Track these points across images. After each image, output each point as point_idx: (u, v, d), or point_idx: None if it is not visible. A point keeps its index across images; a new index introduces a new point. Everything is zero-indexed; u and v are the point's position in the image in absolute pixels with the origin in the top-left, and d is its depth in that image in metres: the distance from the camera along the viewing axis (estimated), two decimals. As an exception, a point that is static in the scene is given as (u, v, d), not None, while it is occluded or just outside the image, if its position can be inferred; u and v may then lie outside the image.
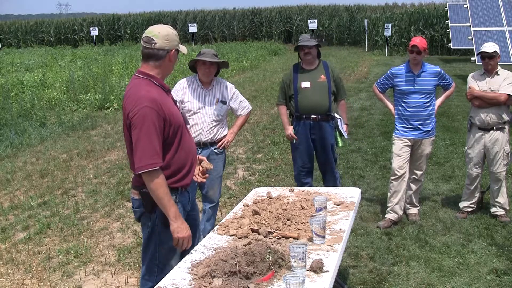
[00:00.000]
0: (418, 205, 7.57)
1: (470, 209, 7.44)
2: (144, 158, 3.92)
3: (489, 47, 7.05)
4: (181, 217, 4.05)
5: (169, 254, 4.21)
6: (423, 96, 7.14)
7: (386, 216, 7.34)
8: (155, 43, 4.13)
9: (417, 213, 7.49)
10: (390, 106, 7.53)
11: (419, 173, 7.41)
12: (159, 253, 4.22)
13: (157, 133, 3.95)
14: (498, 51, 7.04)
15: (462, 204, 7.49)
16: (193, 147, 4.35)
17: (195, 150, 4.39)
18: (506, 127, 7.17)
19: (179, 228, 4.02)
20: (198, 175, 4.55)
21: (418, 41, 7.14)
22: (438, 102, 7.42)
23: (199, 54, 6.26)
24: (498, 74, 7.11)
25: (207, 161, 4.62)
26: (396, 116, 7.36)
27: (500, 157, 7.15)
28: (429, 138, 7.28)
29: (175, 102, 4.38)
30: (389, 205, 7.34)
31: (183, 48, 4.24)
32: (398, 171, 7.24)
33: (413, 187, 7.46)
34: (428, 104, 7.19)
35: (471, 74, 7.39)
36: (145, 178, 3.96)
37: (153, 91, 4.06)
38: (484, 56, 7.06)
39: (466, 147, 7.45)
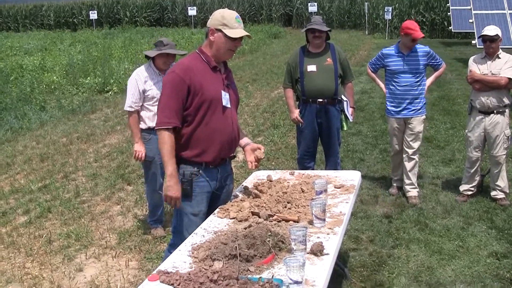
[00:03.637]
0: (417, 186, 7.62)
1: (470, 192, 7.46)
2: (160, 116, 4.28)
3: (491, 30, 7.03)
4: (176, 178, 4.26)
5: (189, 226, 4.34)
6: (413, 75, 7.32)
7: (394, 184, 7.87)
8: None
9: (417, 195, 7.53)
10: (382, 85, 7.78)
11: (410, 151, 7.50)
12: (181, 225, 4.45)
13: (177, 96, 4.22)
14: (500, 34, 7.02)
15: (462, 187, 7.51)
16: (225, 129, 4.42)
17: (229, 134, 4.46)
18: (507, 110, 7.17)
19: (170, 187, 4.25)
20: (253, 163, 4.67)
21: (418, 29, 7.24)
22: (428, 82, 7.61)
23: (161, 44, 6.28)
24: (499, 58, 7.10)
25: (261, 151, 4.68)
26: (387, 95, 7.57)
27: (501, 141, 7.15)
28: (419, 116, 7.44)
29: (227, 84, 4.48)
30: (394, 175, 7.88)
31: (230, 32, 4.28)
32: (396, 147, 7.69)
33: (408, 165, 7.54)
34: (418, 83, 7.37)
35: (472, 58, 7.39)
36: (157, 134, 4.29)
37: (192, 62, 4.34)
38: (486, 39, 7.04)
39: (466, 130, 7.46)
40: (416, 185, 7.59)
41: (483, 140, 7.29)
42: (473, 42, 19.22)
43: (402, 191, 7.73)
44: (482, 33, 7.08)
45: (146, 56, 6.41)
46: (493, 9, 19.57)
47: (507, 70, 6.98)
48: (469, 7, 20.90)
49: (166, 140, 4.21)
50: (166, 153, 4.22)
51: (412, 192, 7.54)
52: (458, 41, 30.80)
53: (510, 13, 19.10)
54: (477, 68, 7.16)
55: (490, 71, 7.06)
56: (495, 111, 7.11)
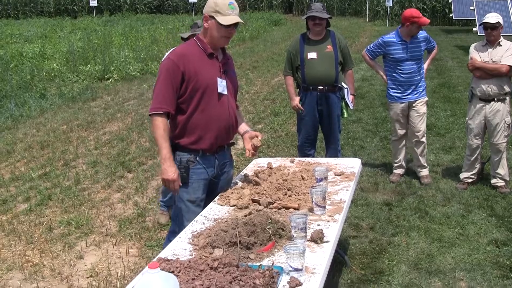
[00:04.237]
0: (426, 165, 7.79)
1: (470, 180, 7.46)
2: (153, 103, 4.28)
3: (492, 17, 7.00)
4: (170, 160, 4.26)
5: (186, 213, 4.37)
6: (415, 62, 7.45)
7: (395, 171, 7.87)
8: None
9: (428, 174, 7.73)
10: (381, 73, 7.81)
11: (419, 134, 7.63)
12: (178, 211, 4.46)
13: (171, 82, 4.23)
14: (501, 21, 7.01)
15: (462, 175, 7.51)
16: (222, 116, 4.42)
17: (225, 121, 4.45)
18: (507, 98, 7.16)
19: (165, 170, 4.25)
20: (251, 151, 4.64)
21: (423, 17, 7.33)
22: (425, 65, 7.75)
23: (196, 26, 6.41)
24: (501, 45, 7.08)
25: (258, 139, 4.65)
26: (389, 82, 7.62)
27: (501, 128, 7.14)
28: (422, 99, 7.57)
29: (224, 71, 4.47)
30: (395, 161, 7.85)
31: (222, 19, 4.25)
32: (399, 133, 7.72)
33: (418, 149, 7.68)
34: (419, 68, 7.50)
35: (473, 45, 7.38)
36: (151, 120, 4.28)
37: (189, 49, 4.37)
38: (487, 26, 7.02)
39: (467, 118, 7.46)
40: (426, 164, 7.76)
41: (484, 127, 7.28)
42: (474, 29, 19.17)
43: (402, 178, 7.75)
44: (483, 21, 7.06)
45: (182, 38, 6.49)
46: (494, -4, 19.50)
47: (508, 57, 6.96)
48: (470, -6, 20.82)
49: (159, 124, 4.21)
50: (159, 137, 4.22)
51: (424, 171, 7.74)
52: (459, 28, 30.73)
53: (511, 0, 19.04)
54: (478, 56, 7.14)
55: (491, 59, 7.04)
56: (495, 99, 7.09)
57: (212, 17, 4.26)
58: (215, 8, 4.24)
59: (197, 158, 4.39)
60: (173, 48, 6.50)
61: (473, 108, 7.28)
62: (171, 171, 4.24)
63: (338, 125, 7.26)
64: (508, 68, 6.93)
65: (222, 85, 4.38)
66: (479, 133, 7.29)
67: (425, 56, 7.77)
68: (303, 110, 7.16)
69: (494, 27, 6.97)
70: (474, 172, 7.47)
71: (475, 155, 7.38)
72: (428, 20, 7.32)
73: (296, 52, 7.09)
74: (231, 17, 4.27)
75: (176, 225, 4.39)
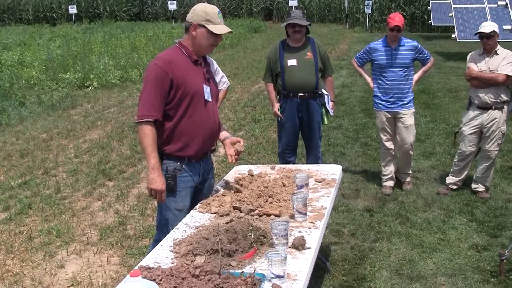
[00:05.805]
0: (410, 172, 7.82)
1: (455, 187, 7.48)
2: (141, 109, 4.21)
3: (487, 27, 6.98)
4: (159, 170, 4.23)
5: (174, 222, 4.32)
6: (401, 69, 7.34)
7: (386, 184, 7.70)
8: (187, 16, 4.41)
9: (410, 180, 7.76)
10: (369, 79, 7.77)
11: (407, 146, 7.59)
12: (165, 221, 4.44)
13: (159, 89, 4.19)
14: (496, 30, 6.96)
15: (449, 180, 7.53)
16: (207, 122, 4.43)
17: (211, 127, 4.47)
18: (505, 107, 7.14)
19: (153, 180, 4.21)
20: (233, 156, 4.66)
21: (398, 19, 7.26)
22: (415, 76, 7.60)
23: None
24: (497, 54, 7.05)
25: (240, 144, 4.68)
26: (375, 89, 7.57)
27: (496, 136, 7.13)
28: (409, 110, 7.48)
29: (208, 77, 4.49)
30: (385, 173, 7.70)
31: (214, 28, 4.28)
32: (386, 143, 7.60)
33: (403, 157, 7.68)
34: (406, 78, 7.41)
35: (470, 54, 7.34)
36: (138, 128, 4.25)
37: (174, 55, 4.34)
38: (482, 36, 6.99)
39: (462, 125, 7.42)
40: (409, 172, 7.82)
41: (479, 134, 7.28)
42: (453, 35, 19.31)
43: (394, 189, 7.75)
44: (479, 30, 7.02)
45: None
46: (472, 3, 19.66)
47: (505, 66, 6.94)
48: (448, 1, 21.01)
49: (148, 133, 4.17)
50: (147, 145, 4.18)
51: (406, 178, 7.76)
52: (438, 34, 31.01)
53: (489, 7, 19.21)
54: (475, 65, 7.11)
55: (488, 68, 7.02)
56: (493, 107, 7.08)
57: (202, 25, 4.26)
58: (205, 17, 4.26)
59: (183, 166, 4.38)
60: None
61: (469, 115, 7.25)
62: (159, 181, 4.22)
63: (318, 131, 7.27)
64: (505, 77, 6.90)
65: (207, 92, 4.40)
66: (473, 139, 7.28)
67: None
68: (281, 116, 7.16)
69: (490, 36, 6.94)
70: (461, 178, 7.48)
71: (466, 161, 7.39)
72: (396, 23, 7.15)
73: (276, 59, 7.10)
74: (221, 26, 4.33)
75: (162, 234, 4.37)
